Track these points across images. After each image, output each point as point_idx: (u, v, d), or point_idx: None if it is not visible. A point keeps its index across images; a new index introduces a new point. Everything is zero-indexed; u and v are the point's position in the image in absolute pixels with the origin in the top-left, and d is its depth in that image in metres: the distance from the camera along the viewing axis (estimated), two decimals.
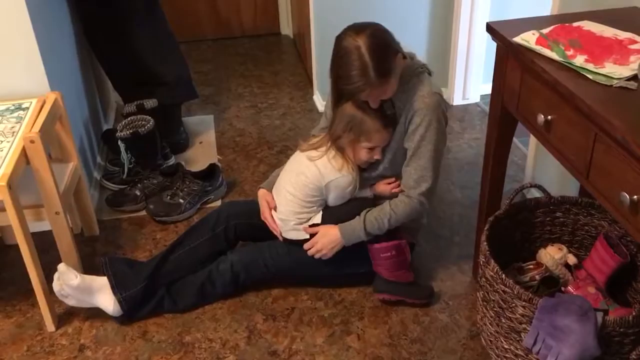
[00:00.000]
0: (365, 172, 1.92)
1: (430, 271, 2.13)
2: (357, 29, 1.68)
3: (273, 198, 1.98)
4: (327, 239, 1.89)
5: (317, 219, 1.93)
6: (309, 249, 1.92)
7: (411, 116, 1.80)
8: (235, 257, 2.00)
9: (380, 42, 1.68)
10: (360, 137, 1.82)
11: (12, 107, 2.01)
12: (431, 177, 1.83)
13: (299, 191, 1.90)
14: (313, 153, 1.90)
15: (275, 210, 1.97)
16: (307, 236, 1.93)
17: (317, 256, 1.92)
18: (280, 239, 1.98)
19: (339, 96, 1.82)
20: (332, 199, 1.92)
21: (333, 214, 1.91)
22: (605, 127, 1.23)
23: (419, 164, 1.82)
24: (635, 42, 1.48)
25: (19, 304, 2.04)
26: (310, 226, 1.92)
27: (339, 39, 1.70)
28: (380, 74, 1.66)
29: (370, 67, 1.64)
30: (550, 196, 1.91)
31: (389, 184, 1.93)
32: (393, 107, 1.82)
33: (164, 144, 2.68)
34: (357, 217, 1.88)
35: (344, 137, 1.83)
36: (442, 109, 1.81)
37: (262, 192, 2.03)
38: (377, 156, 1.87)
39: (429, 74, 1.84)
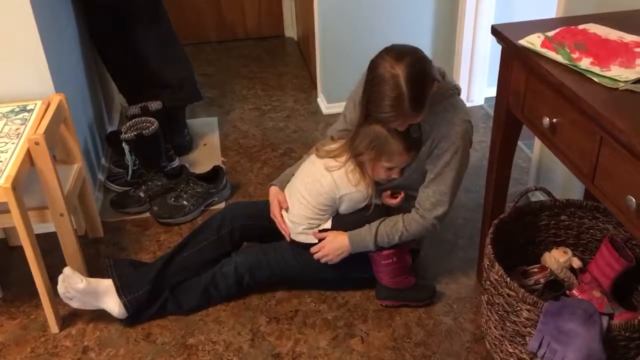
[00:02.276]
0: (378, 185, 1.90)
1: (435, 274, 2.12)
2: (396, 55, 1.58)
3: (285, 198, 1.97)
4: (335, 245, 1.89)
5: (327, 224, 1.92)
6: (316, 252, 1.92)
7: (438, 141, 1.77)
8: (240, 259, 2.00)
9: (420, 72, 1.59)
10: (381, 157, 1.79)
11: (17, 109, 2.02)
12: (448, 202, 1.82)
13: (312, 198, 1.89)
14: (331, 162, 1.87)
15: (286, 210, 1.96)
16: (316, 240, 1.92)
17: (323, 261, 1.92)
18: (288, 239, 1.97)
19: (367, 116, 1.75)
20: (344, 210, 1.91)
21: (343, 221, 1.91)
22: (611, 130, 1.23)
23: (439, 188, 1.81)
24: None
25: (22, 305, 2.04)
26: (320, 231, 1.92)
27: (375, 63, 1.62)
28: (415, 106, 1.60)
29: (407, 99, 1.57)
30: (555, 199, 1.91)
31: (394, 197, 1.92)
32: (419, 130, 1.79)
33: (168, 146, 2.68)
34: (368, 226, 1.87)
35: (366, 154, 1.81)
36: (470, 137, 1.80)
37: (274, 190, 2.01)
38: (394, 175, 1.85)
39: (459, 94, 1.82)
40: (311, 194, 1.89)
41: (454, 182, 1.81)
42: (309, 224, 1.92)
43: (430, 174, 1.82)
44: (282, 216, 1.97)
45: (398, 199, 1.91)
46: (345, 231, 1.89)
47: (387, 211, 1.92)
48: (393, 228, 1.85)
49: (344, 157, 1.86)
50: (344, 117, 1.99)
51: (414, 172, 1.86)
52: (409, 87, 1.57)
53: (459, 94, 1.83)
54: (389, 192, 1.92)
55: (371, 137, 1.77)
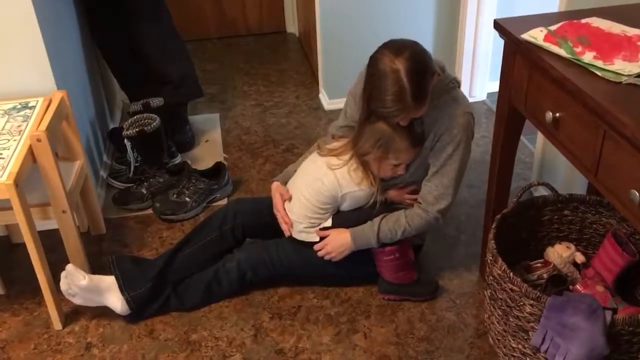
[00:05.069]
0: (382, 181, 1.90)
1: (437, 270, 2.12)
2: (395, 50, 1.58)
3: (287, 190, 1.96)
4: (338, 243, 1.89)
5: (328, 222, 1.92)
6: (319, 250, 1.91)
7: (441, 134, 1.77)
8: (242, 255, 2.00)
9: (420, 65, 1.59)
10: (388, 155, 1.79)
11: (19, 106, 2.01)
12: (451, 195, 1.82)
13: (313, 196, 1.88)
14: (333, 161, 1.86)
15: (288, 200, 1.95)
16: (317, 238, 1.92)
17: (326, 258, 1.91)
18: (287, 234, 1.97)
19: (369, 113, 1.74)
20: (346, 208, 1.91)
21: (344, 219, 1.91)
22: (615, 124, 1.22)
23: (442, 181, 1.80)
24: None
25: (26, 302, 2.05)
26: (321, 229, 1.92)
27: (375, 59, 1.61)
28: (417, 100, 1.59)
29: (408, 92, 1.56)
30: (558, 194, 1.90)
31: (401, 188, 1.92)
32: (422, 124, 1.78)
33: (170, 143, 2.68)
34: (370, 223, 1.86)
35: (372, 154, 1.80)
36: (471, 129, 1.80)
37: (275, 185, 2.01)
38: (401, 172, 1.86)
39: (459, 87, 1.82)
40: (312, 193, 1.88)
41: (456, 174, 1.80)
42: (310, 222, 1.92)
43: (433, 168, 1.82)
44: (285, 209, 1.96)
45: (407, 192, 1.90)
46: (347, 228, 1.88)
47: (390, 208, 1.91)
48: (395, 224, 1.84)
49: (346, 156, 1.85)
50: (345, 113, 1.99)
51: (418, 168, 1.86)
52: (410, 80, 1.56)
53: (459, 87, 1.83)
54: (405, 191, 1.91)
55: (377, 136, 1.76)
